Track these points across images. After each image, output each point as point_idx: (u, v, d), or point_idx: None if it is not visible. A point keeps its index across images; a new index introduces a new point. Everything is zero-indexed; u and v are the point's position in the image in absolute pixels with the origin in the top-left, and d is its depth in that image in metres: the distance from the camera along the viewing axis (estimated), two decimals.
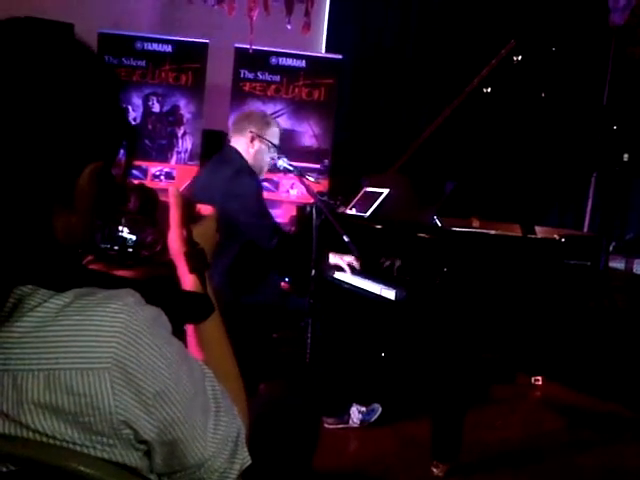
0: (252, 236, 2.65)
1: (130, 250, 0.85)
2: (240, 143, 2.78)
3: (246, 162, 2.75)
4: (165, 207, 0.93)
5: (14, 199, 0.68)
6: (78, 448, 0.68)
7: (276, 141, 2.82)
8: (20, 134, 0.68)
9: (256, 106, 5.33)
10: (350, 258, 2.77)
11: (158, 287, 0.79)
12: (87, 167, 0.74)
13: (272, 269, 2.85)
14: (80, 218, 0.75)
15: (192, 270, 0.92)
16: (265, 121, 2.84)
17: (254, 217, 2.64)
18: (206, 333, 0.95)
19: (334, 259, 2.78)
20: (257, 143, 2.76)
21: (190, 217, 0.96)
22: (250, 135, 2.75)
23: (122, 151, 0.79)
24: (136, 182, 0.92)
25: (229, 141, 2.87)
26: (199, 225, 0.97)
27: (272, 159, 2.76)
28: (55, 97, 0.70)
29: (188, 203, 0.96)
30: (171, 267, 0.93)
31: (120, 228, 0.86)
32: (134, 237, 0.86)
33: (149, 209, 0.89)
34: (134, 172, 5.18)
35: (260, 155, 2.78)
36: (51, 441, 0.67)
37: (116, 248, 0.84)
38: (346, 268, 2.76)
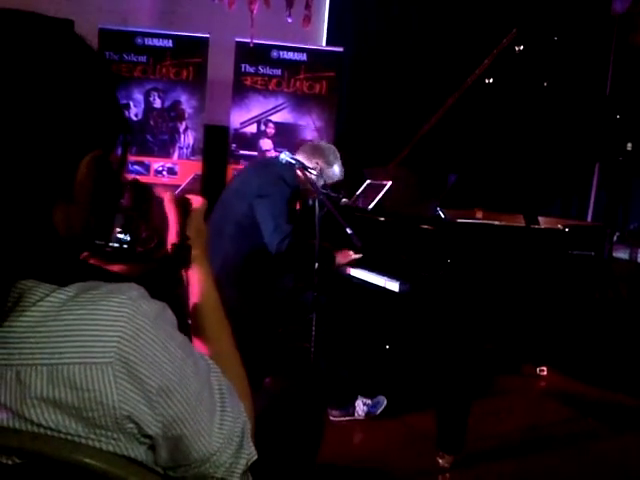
0: (266, 232, 2.67)
1: (125, 246, 0.85)
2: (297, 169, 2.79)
3: (294, 176, 2.77)
4: (160, 202, 0.94)
5: (14, 193, 0.68)
6: (83, 441, 0.68)
7: (330, 181, 2.89)
8: (18, 127, 0.68)
9: (257, 100, 5.32)
10: (350, 252, 2.79)
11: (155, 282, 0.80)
12: (85, 157, 0.74)
13: (287, 270, 2.87)
14: (79, 209, 0.75)
15: (173, 262, 0.93)
16: (333, 160, 2.92)
17: (275, 216, 2.68)
18: (209, 327, 0.95)
19: (340, 258, 2.79)
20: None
21: (184, 211, 0.97)
22: (314, 165, 2.81)
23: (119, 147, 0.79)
24: (130, 177, 0.93)
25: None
26: (190, 218, 0.98)
27: (312, 199, 2.75)
28: (52, 90, 0.70)
29: (182, 200, 0.97)
30: (166, 263, 0.93)
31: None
32: (128, 234, 0.86)
33: (143, 205, 0.90)
34: (137, 168, 5.19)
35: (305, 187, 2.79)
36: (55, 434, 0.67)
37: (111, 245, 0.84)
38: (355, 257, 2.77)
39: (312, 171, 2.68)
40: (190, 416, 0.73)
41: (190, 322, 0.96)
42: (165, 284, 0.90)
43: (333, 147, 3.07)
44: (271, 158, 3.04)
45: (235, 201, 2.78)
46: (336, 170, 2.94)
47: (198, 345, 0.93)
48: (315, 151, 2.92)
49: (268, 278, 2.81)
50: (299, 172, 2.72)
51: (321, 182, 2.78)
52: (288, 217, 2.72)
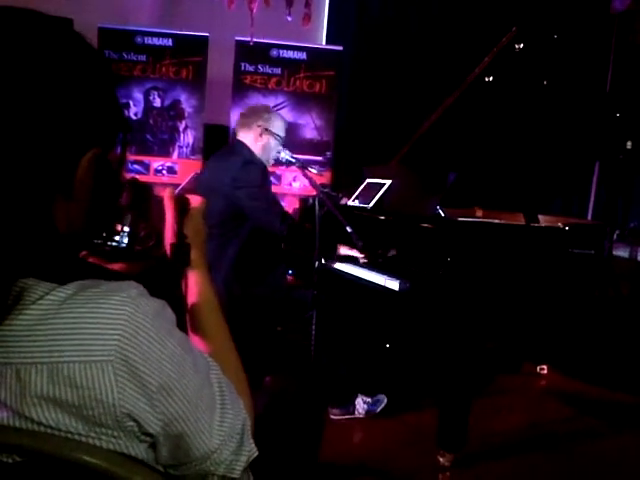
0: (262, 222, 2.69)
1: (124, 245, 0.86)
2: (248, 138, 2.87)
3: (254, 154, 2.83)
4: (158, 201, 0.95)
5: (14, 191, 0.68)
6: (83, 439, 0.68)
7: (282, 133, 2.91)
8: (18, 125, 0.68)
9: (257, 99, 5.31)
10: (358, 253, 2.79)
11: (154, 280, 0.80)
12: (85, 155, 0.74)
13: (279, 262, 2.87)
14: (79, 206, 0.76)
15: (173, 262, 0.93)
16: (270, 115, 2.93)
17: (262, 205, 2.70)
18: (207, 327, 0.95)
19: (344, 251, 2.79)
20: (265, 137, 2.85)
21: (182, 210, 0.98)
22: (258, 129, 2.84)
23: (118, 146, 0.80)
24: (129, 176, 0.94)
25: (236, 136, 2.93)
26: (188, 217, 0.98)
27: (278, 151, 2.80)
28: (52, 88, 0.70)
29: (180, 198, 0.98)
30: (164, 261, 0.94)
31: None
32: (127, 230, 0.86)
33: (142, 204, 0.90)
34: (137, 167, 5.19)
35: (268, 148, 2.86)
36: (55, 433, 0.67)
37: (109, 244, 0.85)
38: (357, 255, 2.77)
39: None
40: (190, 413, 0.73)
41: (188, 321, 0.96)
42: (164, 282, 0.90)
43: (260, 105, 3.13)
44: (227, 147, 3.08)
45: (211, 200, 2.75)
46: (278, 121, 2.93)
47: (196, 343, 0.94)
48: (250, 117, 2.91)
49: (263, 269, 2.81)
50: (255, 135, 2.80)
51: (280, 145, 2.82)
52: (272, 199, 2.77)
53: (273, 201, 2.79)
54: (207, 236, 1.02)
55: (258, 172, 2.74)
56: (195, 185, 2.95)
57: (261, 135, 2.84)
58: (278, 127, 2.91)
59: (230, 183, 2.70)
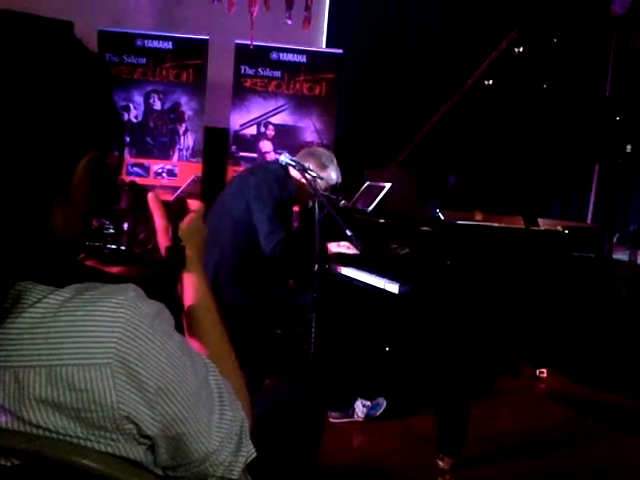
0: (261, 235, 2.68)
1: (123, 248, 0.86)
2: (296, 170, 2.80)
3: (289, 179, 2.80)
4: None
5: (12, 194, 0.68)
6: (82, 442, 0.68)
7: (325, 185, 2.83)
8: (16, 128, 0.68)
9: (257, 102, 5.31)
10: (346, 243, 2.78)
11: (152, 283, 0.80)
12: (83, 158, 0.74)
13: (281, 270, 2.87)
14: (77, 209, 0.76)
15: (169, 265, 0.93)
16: (324, 165, 2.89)
17: (267, 221, 2.68)
18: (204, 329, 0.95)
19: (333, 247, 2.79)
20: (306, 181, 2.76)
21: (180, 214, 0.97)
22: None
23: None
24: (129, 180, 0.94)
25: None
26: (185, 220, 0.98)
27: (312, 201, 2.75)
28: (51, 92, 0.70)
29: (178, 201, 0.98)
30: (163, 264, 0.94)
31: (112, 225, 0.87)
32: (126, 228, 0.87)
33: (141, 206, 0.90)
34: (137, 170, 5.19)
35: (304, 191, 2.81)
36: (54, 436, 0.67)
37: (108, 246, 0.85)
38: (347, 251, 2.77)
39: (311, 172, 2.67)
40: (189, 415, 0.73)
41: (184, 323, 0.96)
42: (162, 285, 0.90)
43: (328, 152, 3.05)
44: (270, 161, 3.05)
45: (233, 201, 2.79)
46: (331, 174, 2.91)
47: (194, 345, 0.94)
48: (307, 156, 2.90)
49: (266, 277, 2.81)
50: (297, 173, 2.72)
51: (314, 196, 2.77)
52: (283, 221, 2.72)
53: (280, 224, 2.69)
54: (207, 239, 1.02)
55: (278, 192, 2.73)
56: (225, 187, 2.93)
57: (304, 177, 2.71)
58: (326, 179, 2.85)
59: (253, 190, 2.73)
